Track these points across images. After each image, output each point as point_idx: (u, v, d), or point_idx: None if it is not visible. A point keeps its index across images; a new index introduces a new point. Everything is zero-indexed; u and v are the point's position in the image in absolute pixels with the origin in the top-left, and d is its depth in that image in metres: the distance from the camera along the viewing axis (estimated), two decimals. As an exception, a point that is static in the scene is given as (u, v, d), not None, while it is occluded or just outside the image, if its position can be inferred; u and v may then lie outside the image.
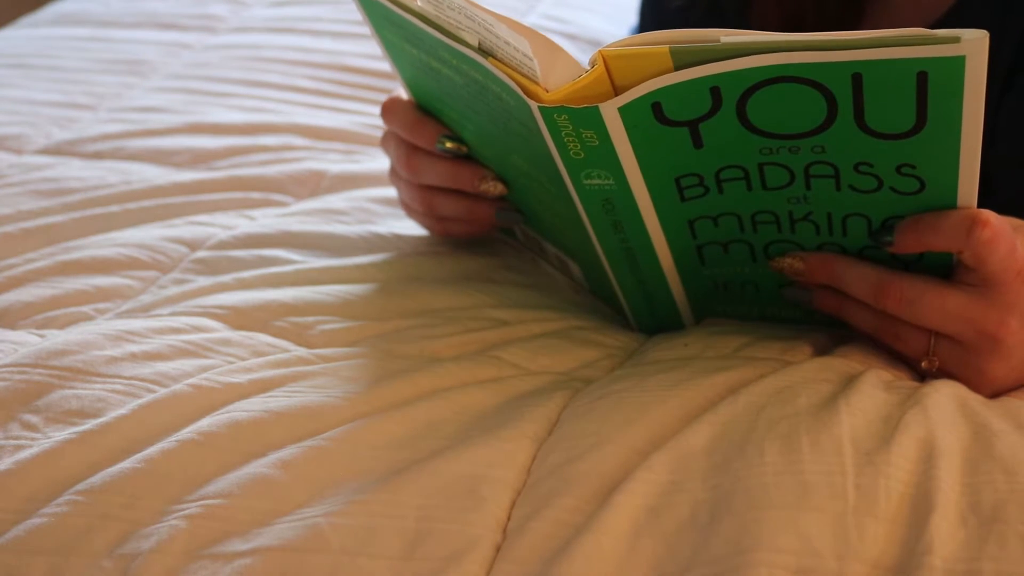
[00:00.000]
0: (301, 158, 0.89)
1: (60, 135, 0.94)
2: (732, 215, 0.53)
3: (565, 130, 0.49)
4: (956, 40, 0.41)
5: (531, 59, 0.47)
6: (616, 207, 0.53)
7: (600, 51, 0.46)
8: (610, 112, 0.47)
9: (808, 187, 0.49)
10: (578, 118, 0.48)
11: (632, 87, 0.46)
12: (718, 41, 0.44)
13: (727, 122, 0.47)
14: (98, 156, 0.90)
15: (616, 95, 0.47)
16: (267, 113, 0.99)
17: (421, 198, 0.66)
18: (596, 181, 0.52)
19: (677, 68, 0.45)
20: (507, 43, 0.48)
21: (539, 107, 0.48)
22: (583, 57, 1.15)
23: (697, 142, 0.48)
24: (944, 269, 0.51)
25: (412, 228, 0.74)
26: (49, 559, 0.43)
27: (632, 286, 0.59)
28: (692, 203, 0.52)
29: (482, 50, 0.50)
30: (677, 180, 0.51)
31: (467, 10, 0.49)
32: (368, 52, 1.12)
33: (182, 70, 1.11)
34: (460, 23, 0.50)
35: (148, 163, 0.88)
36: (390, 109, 0.65)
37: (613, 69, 0.46)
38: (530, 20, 1.22)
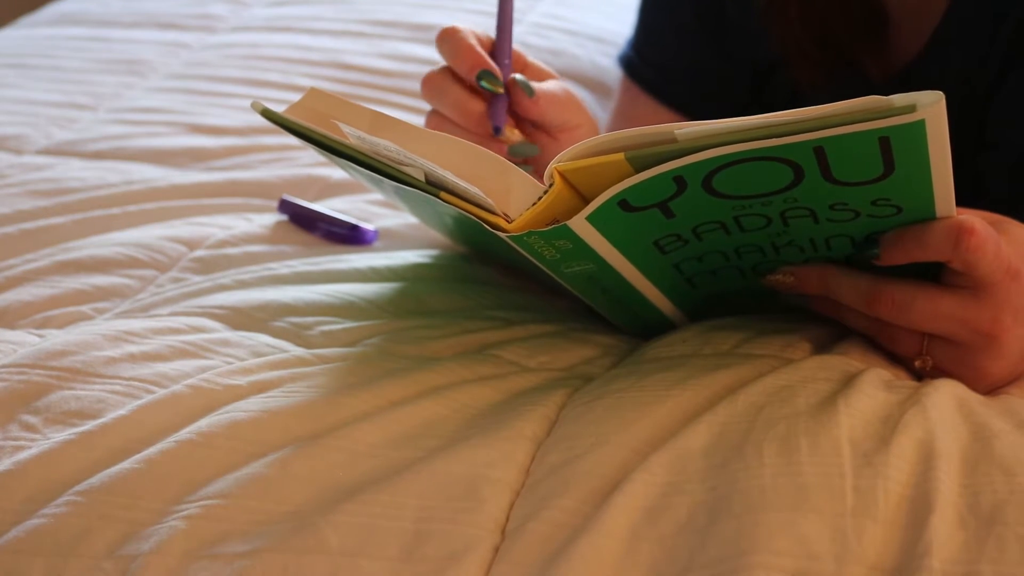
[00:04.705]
0: (301, 159, 0.89)
1: (60, 135, 0.94)
2: (716, 252, 0.53)
3: (537, 244, 0.49)
4: (912, 109, 0.41)
5: (484, 196, 0.47)
6: (600, 279, 0.54)
7: (555, 167, 0.46)
8: (578, 223, 0.47)
9: (786, 224, 0.50)
10: (547, 235, 0.48)
11: (594, 190, 0.46)
12: (673, 139, 0.44)
13: (696, 196, 0.47)
14: (98, 156, 0.90)
15: (579, 197, 0.47)
16: (267, 114, 0.99)
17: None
18: (577, 268, 0.52)
19: (637, 171, 0.45)
20: (456, 183, 0.48)
21: (506, 236, 0.48)
22: (584, 52, 1.15)
23: (668, 215, 0.49)
24: (933, 267, 0.51)
25: (411, 230, 0.74)
26: (48, 560, 0.43)
27: (623, 317, 0.60)
28: (674, 253, 0.53)
29: (431, 184, 0.49)
30: (656, 242, 0.51)
31: (404, 153, 0.48)
32: (368, 51, 1.12)
33: (181, 70, 1.11)
34: (402, 160, 0.49)
35: (148, 163, 0.88)
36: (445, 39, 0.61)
37: (573, 180, 0.47)
38: (531, 19, 1.22)
